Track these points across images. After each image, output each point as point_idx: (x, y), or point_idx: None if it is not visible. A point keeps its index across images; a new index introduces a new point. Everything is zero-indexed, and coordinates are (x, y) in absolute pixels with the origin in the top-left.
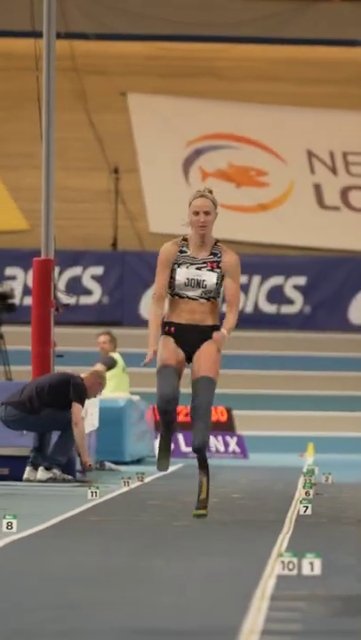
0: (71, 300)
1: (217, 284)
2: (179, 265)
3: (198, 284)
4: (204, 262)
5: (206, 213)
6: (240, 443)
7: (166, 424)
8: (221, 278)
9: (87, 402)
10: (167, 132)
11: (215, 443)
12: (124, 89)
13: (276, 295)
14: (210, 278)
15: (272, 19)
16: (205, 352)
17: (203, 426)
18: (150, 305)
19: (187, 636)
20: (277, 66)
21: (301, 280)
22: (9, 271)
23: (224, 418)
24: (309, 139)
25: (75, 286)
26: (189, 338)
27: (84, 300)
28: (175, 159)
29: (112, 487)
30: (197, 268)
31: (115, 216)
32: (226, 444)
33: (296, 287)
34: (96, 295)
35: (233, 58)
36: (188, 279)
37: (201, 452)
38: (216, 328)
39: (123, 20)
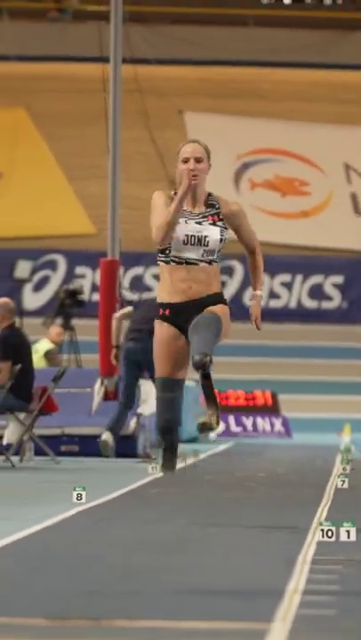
0: (134, 297)
1: (221, 240)
2: None
3: (200, 241)
4: (204, 216)
5: (198, 160)
6: (285, 423)
7: (170, 443)
8: (224, 233)
9: (148, 386)
10: (219, 147)
11: (262, 423)
12: (181, 108)
13: (317, 292)
14: (213, 234)
15: (312, 46)
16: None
17: (202, 336)
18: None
19: (238, 596)
20: (316, 88)
21: (339, 279)
22: (79, 270)
23: (270, 401)
24: (346, 153)
25: (137, 284)
26: (188, 316)
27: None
28: (227, 171)
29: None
30: (197, 223)
31: None
32: (272, 425)
33: (335, 285)
34: (153, 292)
35: (277, 81)
36: (187, 236)
37: (203, 366)
38: (218, 297)
39: (180, 46)
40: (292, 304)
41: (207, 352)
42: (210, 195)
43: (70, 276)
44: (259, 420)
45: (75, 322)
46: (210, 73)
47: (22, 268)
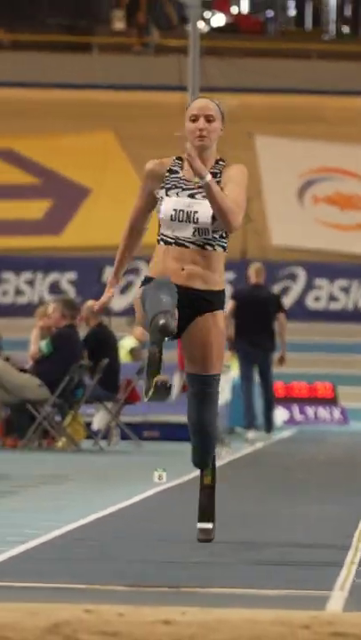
0: None
1: (214, 217)
2: (167, 191)
3: (188, 217)
4: (200, 187)
5: (209, 119)
6: (343, 413)
7: (161, 340)
8: None
9: (222, 377)
10: (285, 166)
11: (323, 412)
12: (251, 131)
13: None
14: (204, 209)
15: None
16: (207, 336)
17: (203, 443)
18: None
19: (301, 566)
20: None
21: None
22: None
23: (330, 393)
24: None
25: None
26: (180, 306)
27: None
28: (291, 187)
29: (242, 447)
30: (190, 196)
31: (244, 232)
32: (331, 414)
33: None
34: (227, 294)
35: (336, 107)
36: (175, 210)
37: (203, 466)
38: (218, 299)
39: (251, 77)
40: (350, 306)
41: (206, 460)
42: (219, 161)
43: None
44: (320, 410)
45: None
46: (277, 100)
47: (109, 274)
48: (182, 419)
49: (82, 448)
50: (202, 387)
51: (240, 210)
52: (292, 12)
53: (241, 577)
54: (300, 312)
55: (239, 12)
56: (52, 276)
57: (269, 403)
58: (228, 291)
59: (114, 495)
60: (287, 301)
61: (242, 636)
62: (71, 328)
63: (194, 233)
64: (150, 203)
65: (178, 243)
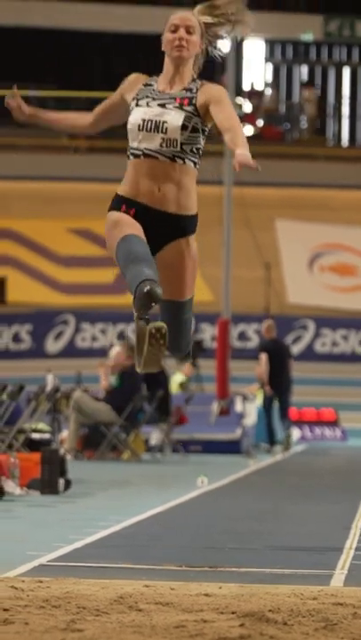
0: (239, 345)
1: (184, 127)
2: (137, 101)
3: (156, 126)
4: (172, 98)
5: (189, 30)
6: (343, 432)
7: (147, 309)
8: (190, 120)
9: (247, 402)
10: (298, 242)
11: (328, 432)
12: (272, 216)
13: None
14: (173, 118)
15: None
16: (181, 262)
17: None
18: None
19: (311, 551)
20: None
21: None
22: (202, 326)
23: (333, 417)
24: None
25: (243, 336)
26: (153, 227)
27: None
28: (303, 259)
29: (265, 458)
30: (160, 105)
31: (266, 292)
32: (334, 433)
33: None
34: (254, 341)
35: (339, 198)
36: (143, 120)
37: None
38: (192, 220)
39: (272, 174)
40: (349, 350)
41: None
42: (195, 79)
43: (197, 329)
44: (325, 430)
45: (199, 362)
46: (293, 192)
47: None
48: (220, 436)
49: (142, 459)
50: (177, 313)
51: (240, 125)
52: (304, 124)
53: (264, 560)
54: (310, 355)
55: (263, 124)
56: (120, 327)
57: (288, 425)
58: (254, 341)
59: (166, 496)
60: (300, 346)
61: (265, 605)
62: (134, 367)
63: (162, 144)
64: (118, 104)
65: (146, 154)
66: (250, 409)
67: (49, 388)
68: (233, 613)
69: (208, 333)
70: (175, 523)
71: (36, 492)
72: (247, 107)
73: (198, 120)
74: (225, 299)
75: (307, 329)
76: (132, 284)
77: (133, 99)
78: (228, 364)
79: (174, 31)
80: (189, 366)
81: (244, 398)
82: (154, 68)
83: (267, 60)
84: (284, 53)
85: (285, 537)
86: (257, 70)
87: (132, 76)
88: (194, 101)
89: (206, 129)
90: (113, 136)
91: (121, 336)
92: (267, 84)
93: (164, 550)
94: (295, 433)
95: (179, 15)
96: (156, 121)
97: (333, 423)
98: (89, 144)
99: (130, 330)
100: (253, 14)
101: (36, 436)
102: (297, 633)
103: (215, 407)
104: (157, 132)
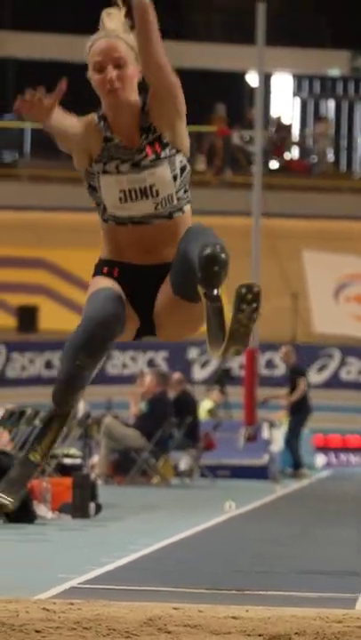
0: (266, 373)
1: (176, 177)
2: (104, 166)
3: (144, 192)
4: (140, 150)
5: (118, 64)
6: None
7: (78, 378)
8: (174, 163)
9: (274, 429)
10: (325, 273)
11: (353, 458)
12: (300, 247)
13: None
14: (161, 176)
15: None
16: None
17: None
18: None
19: (335, 575)
20: None
21: None
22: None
23: (359, 443)
24: None
25: (270, 365)
26: (147, 283)
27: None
28: (329, 289)
29: (291, 484)
30: (134, 165)
31: (293, 321)
32: (358, 460)
33: None
34: (280, 369)
35: None
36: (123, 192)
37: (218, 264)
38: None
39: (300, 206)
40: None
41: (219, 242)
42: (143, 107)
43: (225, 359)
44: (350, 456)
45: (228, 389)
46: (320, 224)
47: (192, 353)
48: (247, 462)
49: (171, 484)
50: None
51: (167, 62)
52: (331, 157)
53: (290, 583)
54: (336, 383)
55: (291, 158)
56: (149, 354)
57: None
58: (281, 368)
59: (195, 520)
60: (326, 374)
61: (291, 628)
62: (163, 393)
63: (157, 207)
64: (71, 139)
65: (135, 222)
66: (277, 435)
67: (80, 414)
68: (260, 636)
69: (236, 362)
70: (203, 547)
71: (68, 516)
72: (275, 140)
73: (175, 152)
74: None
75: (333, 357)
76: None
77: (97, 161)
78: (256, 392)
79: (100, 70)
80: (217, 393)
81: (271, 425)
82: None
83: (294, 94)
84: (311, 88)
85: (311, 561)
86: (284, 104)
87: (89, 123)
88: (161, 137)
89: (182, 149)
90: None
91: (151, 363)
92: (293, 118)
93: (193, 573)
94: (320, 459)
95: (100, 47)
96: (140, 188)
97: (359, 450)
98: None
99: (160, 357)
100: (282, 50)
101: (67, 460)
102: None
103: (242, 432)
104: (147, 197)
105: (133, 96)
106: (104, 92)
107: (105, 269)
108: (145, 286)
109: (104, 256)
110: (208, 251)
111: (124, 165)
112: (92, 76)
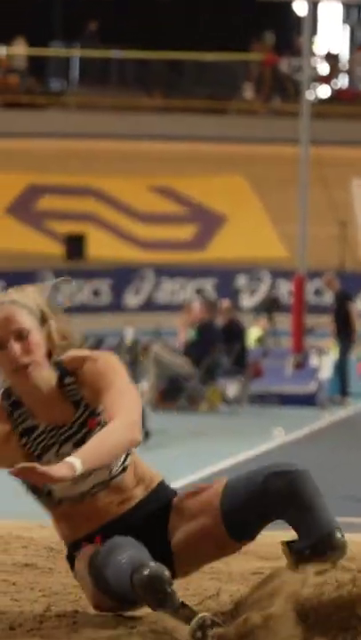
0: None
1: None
2: (38, 459)
3: (90, 473)
4: (70, 430)
5: (21, 335)
6: None
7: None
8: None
9: (323, 356)
10: None
11: None
12: (349, 175)
13: None
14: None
15: None
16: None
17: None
18: None
19: None
20: None
21: None
22: (278, 282)
23: None
24: None
25: (318, 293)
26: (137, 526)
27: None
28: None
29: (338, 411)
30: (76, 445)
31: (342, 249)
32: None
33: None
34: (328, 297)
35: None
36: (62, 496)
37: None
38: (165, 489)
39: (348, 133)
40: None
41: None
42: (59, 365)
43: (273, 286)
44: None
45: (276, 316)
46: None
47: (240, 281)
48: (296, 389)
49: (219, 411)
50: None
51: (133, 423)
52: None
53: (338, 509)
54: None
55: (340, 86)
56: (198, 282)
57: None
58: (328, 297)
59: (243, 446)
60: None
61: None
62: (211, 321)
63: (111, 471)
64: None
65: (93, 493)
66: (325, 362)
67: (128, 341)
68: None
69: (284, 289)
70: None
71: None
72: (324, 69)
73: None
74: (301, 256)
75: None
76: (123, 575)
77: (30, 459)
78: (304, 319)
79: (1, 347)
80: (264, 321)
81: (320, 352)
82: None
83: (344, 21)
84: (360, 16)
85: (359, 487)
86: (333, 32)
87: None
88: (95, 411)
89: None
90: (190, 95)
91: (199, 291)
92: (342, 46)
93: None
94: None
95: None
96: (85, 490)
97: None
98: (165, 103)
99: (208, 285)
100: None
101: None
102: None
103: (291, 360)
104: (88, 476)
105: (46, 366)
106: (12, 372)
107: (84, 545)
108: (142, 531)
109: (70, 537)
110: (336, 537)
111: (65, 447)
112: None
